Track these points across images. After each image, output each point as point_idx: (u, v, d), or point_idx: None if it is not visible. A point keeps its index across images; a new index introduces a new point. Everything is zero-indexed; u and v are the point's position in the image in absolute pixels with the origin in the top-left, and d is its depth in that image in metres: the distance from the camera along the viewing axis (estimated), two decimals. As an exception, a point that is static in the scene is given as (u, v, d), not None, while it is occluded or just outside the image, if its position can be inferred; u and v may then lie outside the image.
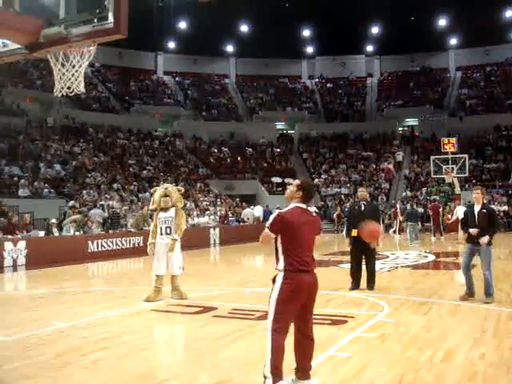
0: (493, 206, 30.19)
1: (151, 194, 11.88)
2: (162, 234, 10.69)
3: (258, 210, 33.13)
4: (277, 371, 5.23)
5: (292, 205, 5.62)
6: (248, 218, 32.15)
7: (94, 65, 45.54)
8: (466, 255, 10.11)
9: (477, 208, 9.91)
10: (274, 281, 5.50)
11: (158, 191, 10.97)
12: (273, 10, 42.08)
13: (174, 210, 10.79)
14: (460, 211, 24.27)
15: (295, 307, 5.41)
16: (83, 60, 5.67)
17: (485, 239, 9.60)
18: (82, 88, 5.74)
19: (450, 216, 27.85)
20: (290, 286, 5.35)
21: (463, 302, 9.95)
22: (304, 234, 5.50)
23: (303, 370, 5.53)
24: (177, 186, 13.37)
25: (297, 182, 5.79)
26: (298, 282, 5.39)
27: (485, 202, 10.22)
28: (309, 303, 5.55)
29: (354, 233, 11.44)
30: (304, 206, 5.66)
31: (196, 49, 49.42)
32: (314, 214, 5.95)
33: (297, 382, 5.52)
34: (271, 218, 5.49)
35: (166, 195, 10.81)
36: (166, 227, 10.67)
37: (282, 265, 5.43)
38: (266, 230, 5.47)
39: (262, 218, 31.26)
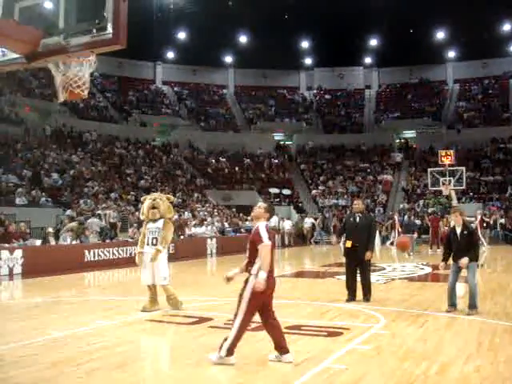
0: (488, 219, 30.47)
1: (141, 203, 11.76)
2: (148, 244, 10.64)
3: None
4: (233, 350, 6.68)
5: (263, 223, 6.89)
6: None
7: (93, 74, 45.43)
8: (452, 273, 10.33)
9: (458, 229, 10.20)
10: (246, 282, 6.82)
11: (146, 202, 10.89)
12: (272, 21, 42.22)
13: (163, 222, 10.72)
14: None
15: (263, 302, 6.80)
16: (85, 68, 5.71)
17: (463, 261, 9.93)
18: (85, 93, 5.77)
19: (446, 229, 27.81)
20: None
21: (459, 315, 9.96)
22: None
23: (283, 347, 6.83)
24: (174, 195, 13.32)
25: (264, 204, 7.17)
26: (269, 283, 6.70)
27: (465, 221, 10.50)
28: (271, 298, 6.94)
29: (348, 244, 11.49)
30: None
31: (195, 59, 49.53)
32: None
33: (281, 357, 6.80)
34: (263, 232, 6.71)
35: (153, 207, 10.72)
36: (153, 238, 10.61)
37: (255, 270, 6.71)
38: (267, 244, 6.67)
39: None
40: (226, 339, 6.68)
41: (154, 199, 10.87)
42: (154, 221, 10.70)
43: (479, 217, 28.68)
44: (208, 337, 8.45)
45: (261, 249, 6.68)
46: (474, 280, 10.05)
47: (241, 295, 6.81)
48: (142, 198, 11.73)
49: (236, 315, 6.76)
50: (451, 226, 10.76)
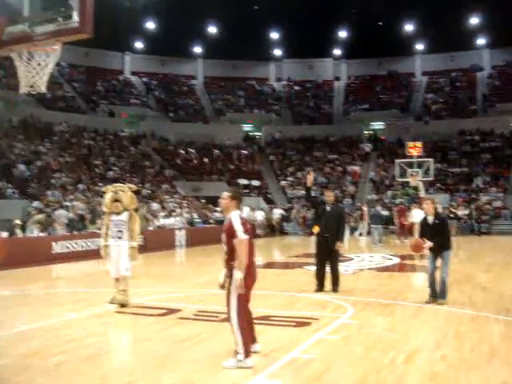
0: (456, 210, 30.87)
1: (103, 193, 11.28)
2: (113, 237, 10.32)
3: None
4: (248, 351, 6.39)
5: (235, 213, 6.56)
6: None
7: (60, 64, 44.98)
8: (430, 261, 10.34)
9: (430, 218, 10.27)
10: (230, 275, 6.46)
11: (108, 195, 10.53)
12: (241, 12, 42.04)
13: (127, 214, 10.40)
14: (416, 214, 24.61)
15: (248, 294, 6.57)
16: (49, 59, 5.62)
17: (428, 245, 10.09)
18: (43, 88, 5.68)
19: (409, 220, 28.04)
20: (250, 279, 6.47)
21: (426, 304, 10.07)
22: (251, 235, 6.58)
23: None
24: (143, 186, 13.13)
25: (227, 193, 6.77)
26: (253, 274, 6.57)
27: (437, 210, 10.55)
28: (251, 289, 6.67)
29: (315, 229, 11.61)
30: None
31: (164, 50, 49.16)
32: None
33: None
34: (237, 224, 6.37)
35: (116, 200, 10.38)
36: (118, 231, 10.30)
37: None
38: (243, 238, 6.32)
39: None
40: (236, 343, 6.41)
41: (116, 192, 10.49)
42: (118, 213, 10.37)
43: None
44: (176, 328, 8.44)
45: (236, 244, 6.36)
46: (446, 269, 10.11)
47: (228, 292, 6.51)
48: (103, 189, 11.36)
49: (229, 316, 6.47)
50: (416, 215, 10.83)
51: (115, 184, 11.33)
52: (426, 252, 10.35)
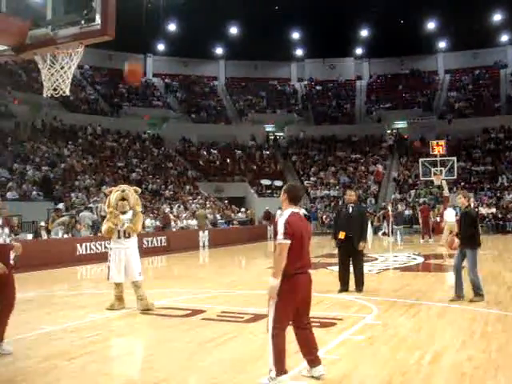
0: (481, 209, 30.59)
1: (106, 195, 11.13)
2: (119, 237, 10.09)
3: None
4: (278, 365, 5.59)
5: (288, 210, 5.79)
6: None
7: (83, 66, 45.38)
8: (457, 257, 10.28)
9: (463, 212, 10.26)
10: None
11: (114, 194, 10.31)
12: (263, 12, 42.05)
13: (132, 213, 10.24)
14: (449, 214, 24.40)
15: (293, 307, 5.70)
16: (71, 62, 5.65)
17: (456, 242, 10.08)
18: (67, 91, 5.71)
19: (438, 219, 27.84)
20: (288, 287, 5.58)
21: (452, 304, 9.99)
22: (304, 239, 5.75)
23: (312, 359, 5.92)
24: (166, 188, 13.09)
25: (285, 187, 6.04)
26: (296, 283, 5.64)
27: (471, 204, 10.46)
28: (305, 301, 5.86)
29: (341, 235, 11.47)
30: (297, 209, 5.87)
31: (186, 51, 49.37)
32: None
33: (310, 370, 5.91)
34: (282, 226, 5.61)
35: (123, 199, 10.20)
36: (124, 230, 10.11)
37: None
38: (283, 242, 5.57)
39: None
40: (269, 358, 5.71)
41: (123, 190, 10.31)
42: (124, 213, 10.17)
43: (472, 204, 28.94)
44: (201, 329, 8.44)
45: (276, 247, 5.73)
46: (474, 268, 10.02)
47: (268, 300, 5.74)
48: (106, 191, 10.99)
49: (267, 326, 5.73)
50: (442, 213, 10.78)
51: (121, 185, 10.98)
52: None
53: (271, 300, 5.60)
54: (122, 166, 35.93)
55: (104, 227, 10.29)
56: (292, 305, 5.68)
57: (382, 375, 6.04)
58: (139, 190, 10.97)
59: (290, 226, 5.60)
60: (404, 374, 6.05)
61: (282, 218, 5.76)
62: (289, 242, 5.56)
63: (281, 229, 5.60)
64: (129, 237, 10.11)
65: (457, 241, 10.02)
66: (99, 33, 5.06)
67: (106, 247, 21.13)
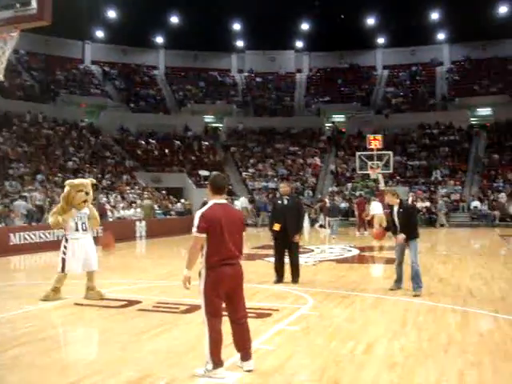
0: (416, 203, 31.24)
1: (63, 188, 10.92)
2: (77, 230, 10.16)
3: (244, 202, 33.43)
4: (214, 357, 5.69)
5: (211, 202, 5.86)
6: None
7: (19, 51, 44.13)
8: (398, 250, 10.63)
9: (395, 208, 10.47)
10: (199, 274, 5.84)
11: (78, 194, 10.20)
12: (204, 2, 41.85)
13: (88, 208, 10.46)
14: (375, 207, 24.91)
15: (220, 298, 5.81)
16: (6, 46, 5.50)
17: (399, 237, 10.32)
18: (1, 76, 5.56)
19: (368, 212, 28.25)
20: (212, 279, 5.74)
21: (385, 295, 10.20)
22: (223, 231, 5.73)
23: (243, 354, 5.96)
24: (103, 177, 12.97)
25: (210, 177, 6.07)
26: (219, 274, 5.75)
27: (403, 200, 10.82)
28: (232, 292, 5.94)
29: (277, 227, 11.57)
30: (223, 201, 5.91)
31: (125, 39, 48.61)
32: (236, 209, 6.38)
33: (242, 363, 5.94)
34: (196, 220, 5.68)
35: (87, 193, 10.32)
36: (82, 223, 10.22)
37: (204, 259, 5.76)
38: (196, 235, 5.67)
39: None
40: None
41: (87, 192, 10.34)
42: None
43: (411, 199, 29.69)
44: (136, 320, 8.39)
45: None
46: (415, 258, 10.27)
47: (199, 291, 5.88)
48: (66, 183, 10.82)
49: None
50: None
51: (81, 180, 10.91)
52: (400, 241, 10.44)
53: (198, 292, 5.75)
54: (58, 154, 35.18)
55: (52, 219, 10.22)
56: (217, 296, 5.77)
57: (316, 365, 6.13)
58: (94, 181, 11.07)
59: (204, 219, 5.66)
60: (338, 364, 6.15)
61: (199, 210, 5.86)
62: (201, 235, 5.66)
63: (195, 222, 5.68)
64: (86, 230, 10.29)
65: (401, 236, 10.24)
66: (35, 17, 4.94)
67: (40, 237, 20.83)
